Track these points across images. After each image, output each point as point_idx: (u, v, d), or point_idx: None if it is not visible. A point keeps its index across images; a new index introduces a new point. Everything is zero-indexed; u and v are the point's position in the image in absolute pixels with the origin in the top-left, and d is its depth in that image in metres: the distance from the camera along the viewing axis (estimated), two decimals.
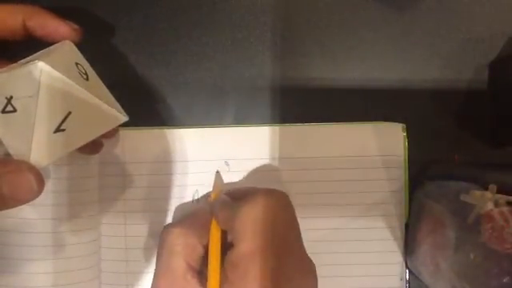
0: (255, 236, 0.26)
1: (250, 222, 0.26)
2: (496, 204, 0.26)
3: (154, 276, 0.29)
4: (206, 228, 0.29)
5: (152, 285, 0.29)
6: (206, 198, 0.35)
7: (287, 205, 0.29)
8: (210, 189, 0.35)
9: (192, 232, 0.29)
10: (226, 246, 0.28)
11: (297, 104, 0.36)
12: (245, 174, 0.35)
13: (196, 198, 0.35)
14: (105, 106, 0.27)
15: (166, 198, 0.35)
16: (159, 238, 0.29)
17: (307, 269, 0.28)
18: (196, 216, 0.31)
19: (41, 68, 0.24)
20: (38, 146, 0.25)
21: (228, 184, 0.35)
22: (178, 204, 0.35)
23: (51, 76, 0.25)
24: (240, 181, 0.35)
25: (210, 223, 0.29)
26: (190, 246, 0.28)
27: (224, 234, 0.29)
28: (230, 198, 0.30)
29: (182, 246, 0.28)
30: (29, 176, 0.24)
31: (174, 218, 0.35)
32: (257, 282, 0.24)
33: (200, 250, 0.28)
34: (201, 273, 0.28)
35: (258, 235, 0.26)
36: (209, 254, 0.28)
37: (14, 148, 0.25)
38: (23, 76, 0.25)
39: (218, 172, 0.35)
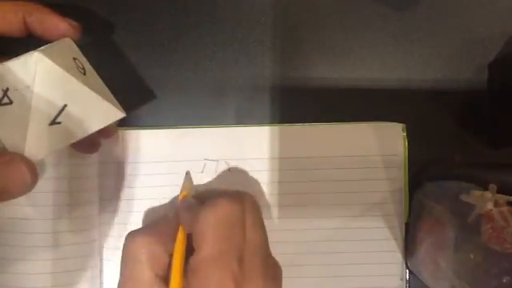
0: (215, 240, 0.25)
1: (210, 225, 0.26)
2: (496, 204, 0.26)
3: (119, 285, 0.27)
4: (172, 235, 0.28)
5: None
6: (174, 201, 0.34)
7: (252, 208, 0.28)
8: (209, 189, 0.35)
9: (157, 240, 0.27)
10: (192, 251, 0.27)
11: (297, 104, 0.35)
12: (245, 173, 0.35)
13: None
14: (102, 101, 0.27)
15: (165, 198, 0.35)
16: (123, 245, 0.28)
17: (271, 273, 0.27)
18: (162, 222, 0.29)
19: (37, 58, 0.24)
20: (33, 139, 0.25)
21: (199, 185, 0.34)
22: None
23: (47, 66, 0.25)
24: (238, 181, 0.35)
25: (177, 229, 0.28)
26: (156, 254, 0.27)
27: (190, 238, 0.27)
28: (198, 201, 0.29)
29: (147, 254, 0.27)
30: (22, 168, 0.24)
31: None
32: (217, 287, 0.24)
33: (165, 259, 0.27)
34: (168, 281, 0.27)
35: (218, 239, 0.25)
36: (172, 259, 0.27)
37: (9, 140, 0.25)
38: (19, 66, 0.25)
39: (187, 173, 0.34)
